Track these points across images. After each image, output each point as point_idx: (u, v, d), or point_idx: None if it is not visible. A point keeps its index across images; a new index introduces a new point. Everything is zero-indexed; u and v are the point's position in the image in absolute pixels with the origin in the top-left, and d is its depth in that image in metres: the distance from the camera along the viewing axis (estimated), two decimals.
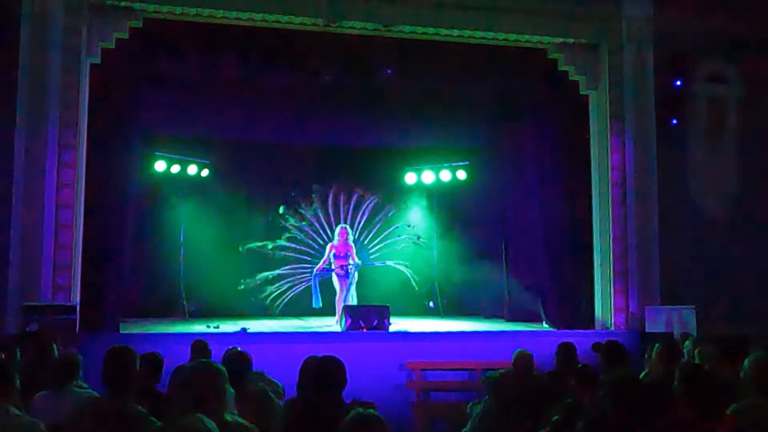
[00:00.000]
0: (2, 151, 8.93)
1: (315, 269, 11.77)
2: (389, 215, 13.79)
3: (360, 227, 13.58)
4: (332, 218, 13.48)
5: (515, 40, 10.59)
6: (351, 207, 13.59)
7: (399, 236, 13.82)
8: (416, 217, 14.20)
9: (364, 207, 13.64)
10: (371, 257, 13.08)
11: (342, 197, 13.59)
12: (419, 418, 8.92)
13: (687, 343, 6.79)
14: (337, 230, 12.08)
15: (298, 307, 13.17)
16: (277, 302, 13.06)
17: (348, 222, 13.15)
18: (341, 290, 11.55)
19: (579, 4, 10.47)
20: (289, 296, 13.13)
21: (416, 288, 13.37)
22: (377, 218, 13.70)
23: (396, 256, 13.57)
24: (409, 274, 13.25)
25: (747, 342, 6.13)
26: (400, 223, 13.91)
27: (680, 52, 10.96)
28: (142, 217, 11.95)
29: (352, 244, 11.90)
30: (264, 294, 13.01)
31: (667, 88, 10.92)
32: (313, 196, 13.45)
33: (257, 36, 10.13)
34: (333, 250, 11.70)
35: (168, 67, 10.44)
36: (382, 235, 13.73)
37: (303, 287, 12.92)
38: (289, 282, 13.21)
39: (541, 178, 11.78)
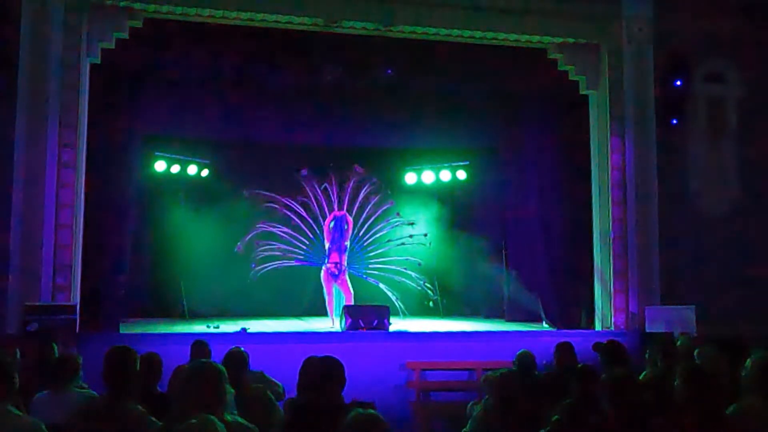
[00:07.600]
0: (2, 151, 8.92)
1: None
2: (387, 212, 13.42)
3: (360, 224, 13.23)
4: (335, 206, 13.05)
5: (515, 40, 10.59)
6: (347, 193, 13.05)
7: (410, 236, 13.40)
8: (416, 217, 14.15)
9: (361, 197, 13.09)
10: (366, 271, 12.86)
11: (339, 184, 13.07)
12: (419, 418, 8.92)
13: (680, 340, 6.79)
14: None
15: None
16: (260, 267, 12.44)
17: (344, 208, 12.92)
18: (330, 293, 11.48)
19: (579, 4, 10.47)
20: (273, 267, 12.58)
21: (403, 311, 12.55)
22: (369, 207, 13.11)
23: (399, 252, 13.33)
24: (394, 299, 12.53)
25: (747, 342, 6.12)
26: (392, 216, 13.33)
27: (680, 52, 10.96)
28: (142, 217, 11.94)
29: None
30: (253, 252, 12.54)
31: (667, 88, 10.92)
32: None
33: (257, 36, 10.13)
34: (328, 235, 11.68)
35: (168, 67, 10.46)
36: (381, 233, 13.42)
37: (287, 265, 12.70)
38: (278, 252, 12.70)
39: (541, 178, 11.79)
